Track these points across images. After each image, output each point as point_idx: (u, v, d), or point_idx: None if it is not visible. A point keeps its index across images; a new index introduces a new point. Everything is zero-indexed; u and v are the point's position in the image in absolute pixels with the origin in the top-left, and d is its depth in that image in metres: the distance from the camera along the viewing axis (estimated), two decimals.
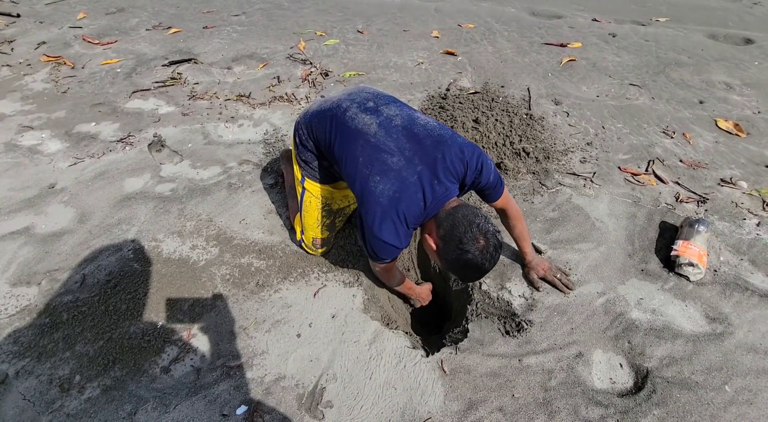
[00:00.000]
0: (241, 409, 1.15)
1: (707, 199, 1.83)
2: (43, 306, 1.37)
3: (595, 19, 3.79)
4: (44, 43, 3.11)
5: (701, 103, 2.55)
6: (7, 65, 2.82)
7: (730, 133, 2.29)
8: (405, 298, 1.65)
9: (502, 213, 1.39)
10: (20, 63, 2.85)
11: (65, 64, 2.84)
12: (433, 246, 1.11)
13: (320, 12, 3.80)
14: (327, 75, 2.77)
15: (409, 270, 1.87)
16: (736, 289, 1.47)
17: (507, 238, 1.65)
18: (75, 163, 1.98)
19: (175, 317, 1.36)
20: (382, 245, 1.15)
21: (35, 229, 1.64)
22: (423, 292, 1.60)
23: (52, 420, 1.11)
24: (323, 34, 3.35)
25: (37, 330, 1.30)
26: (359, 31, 3.41)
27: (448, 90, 2.56)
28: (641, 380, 1.23)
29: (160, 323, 1.34)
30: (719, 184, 1.93)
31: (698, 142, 2.21)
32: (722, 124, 2.35)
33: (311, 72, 2.79)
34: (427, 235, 1.15)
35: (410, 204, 1.12)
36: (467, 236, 1.03)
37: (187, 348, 1.28)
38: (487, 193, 1.28)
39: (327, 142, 1.30)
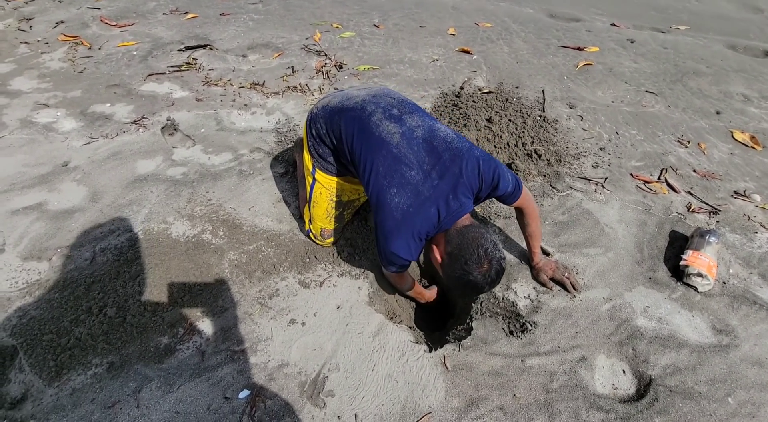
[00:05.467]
0: (244, 393, 1.16)
1: (719, 211, 1.81)
2: (52, 282, 1.39)
3: (613, 24, 3.74)
4: (62, 22, 3.12)
5: (718, 113, 2.52)
6: (25, 42, 2.84)
7: (746, 146, 2.26)
8: (412, 299, 1.66)
9: (519, 211, 1.39)
10: (38, 41, 2.87)
11: (82, 44, 2.85)
12: (438, 258, 1.16)
13: (337, 4, 3.78)
14: (341, 67, 2.76)
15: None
16: (744, 302, 1.45)
17: (518, 237, 1.65)
18: (89, 143, 2.00)
19: (182, 299, 1.37)
20: (393, 257, 1.19)
21: (48, 206, 1.66)
22: (431, 295, 1.62)
23: (57, 394, 1.13)
24: (339, 26, 3.33)
25: (45, 305, 1.32)
26: (375, 25, 3.40)
27: (462, 88, 2.54)
28: (644, 387, 1.23)
29: (167, 304, 1.35)
30: (732, 196, 1.91)
31: (713, 153, 2.18)
32: (738, 135, 2.32)
33: (326, 63, 2.78)
34: (434, 246, 1.18)
35: (424, 219, 1.14)
36: (473, 258, 1.06)
37: (192, 331, 1.30)
38: (504, 199, 1.29)
39: (349, 142, 1.30)
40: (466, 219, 1.17)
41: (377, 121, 1.26)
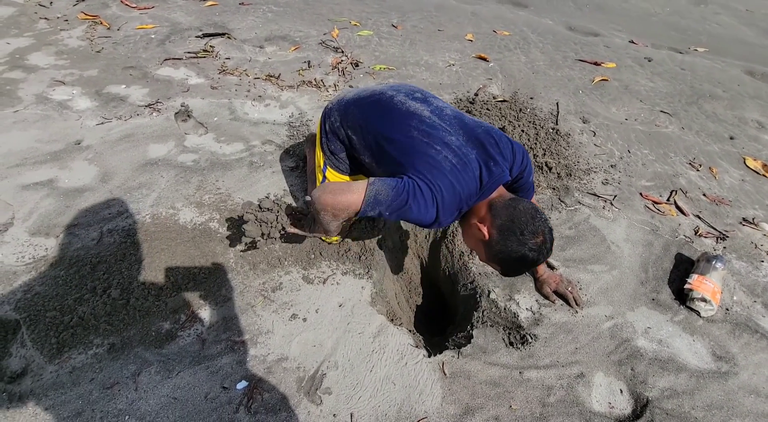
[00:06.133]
0: (242, 384, 1.16)
1: (727, 237, 1.81)
2: (58, 259, 1.39)
3: (632, 41, 3.73)
4: (83, 0, 3.13)
5: (732, 138, 2.51)
6: (45, 18, 2.85)
7: (758, 173, 2.26)
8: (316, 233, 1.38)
9: None
10: (58, 17, 2.88)
11: (102, 23, 2.86)
12: (485, 235, 1.07)
13: (357, 1, 3.78)
14: (357, 65, 2.76)
15: (411, 273, 1.87)
16: (746, 330, 1.45)
17: None
18: (102, 123, 2.00)
19: (186, 286, 1.37)
20: (418, 209, 1.03)
21: (58, 183, 1.67)
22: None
23: (57, 371, 1.14)
24: (358, 24, 3.33)
25: (50, 281, 1.33)
26: (393, 26, 3.40)
27: (476, 95, 2.54)
28: (640, 408, 1.23)
29: (171, 290, 1.36)
30: (741, 222, 1.90)
31: (724, 178, 2.18)
32: (751, 162, 2.31)
33: (342, 60, 2.78)
34: (478, 224, 1.09)
35: (470, 178, 1.08)
36: (529, 229, 1.01)
37: (194, 318, 1.30)
38: (519, 196, 1.27)
39: (368, 126, 1.24)
40: (506, 194, 1.13)
41: (402, 100, 1.23)
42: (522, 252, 1.02)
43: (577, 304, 1.45)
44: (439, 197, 1.05)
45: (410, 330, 1.44)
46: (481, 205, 1.12)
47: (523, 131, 2.14)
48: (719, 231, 1.83)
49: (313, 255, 1.55)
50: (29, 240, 1.44)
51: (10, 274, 1.33)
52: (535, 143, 2.10)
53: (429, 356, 1.30)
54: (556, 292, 1.48)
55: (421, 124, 1.15)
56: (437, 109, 1.22)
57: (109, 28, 2.82)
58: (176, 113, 2.13)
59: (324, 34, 3.09)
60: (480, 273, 1.57)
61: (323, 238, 1.57)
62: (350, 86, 2.54)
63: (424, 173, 1.05)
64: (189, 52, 2.65)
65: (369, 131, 1.25)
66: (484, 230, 1.08)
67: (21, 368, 1.14)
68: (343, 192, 1.06)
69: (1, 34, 2.60)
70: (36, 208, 1.55)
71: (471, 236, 1.15)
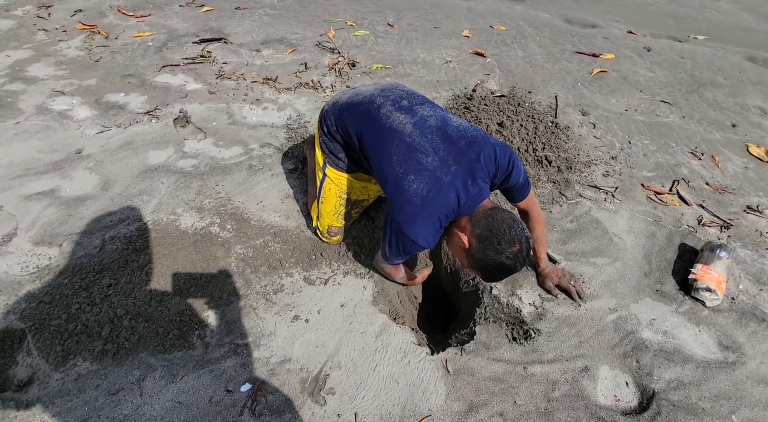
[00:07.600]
0: (246, 387, 1.17)
1: (731, 225, 1.79)
2: (62, 267, 1.41)
3: (630, 32, 3.70)
4: (80, 10, 3.15)
5: (734, 126, 2.48)
6: (44, 30, 2.88)
7: (761, 160, 2.23)
8: (401, 284, 1.61)
9: (524, 215, 1.39)
10: (56, 28, 2.90)
11: (99, 33, 2.88)
12: (465, 244, 1.11)
13: (352, 1, 3.78)
14: (354, 65, 2.76)
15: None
16: (752, 319, 1.44)
17: None
18: (102, 131, 2.02)
19: (188, 290, 1.38)
20: (410, 245, 1.16)
21: (60, 192, 1.68)
22: (422, 279, 1.59)
23: (63, 378, 1.15)
24: (353, 24, 3.33)
25: (55, 290, 1.34)
26: (389, 25, 3.39)
27: (474, 91, 2.53)
28: (646, 401, 1.22)
29: (173, 295, 1.36)
30: (745, 210, 1.88)
31: (727, 166, 2.15)
32: (754, 149, 2.29)
33: (339, 61, 2.78)
34: (459, 232, 1.14)
35: (443, 203, 1.12)
36: (505, 238, 1.05)
37: (197, 322, 1.31)
38: (513, 193, 1.28)
39: (358, 136, 1.30)
40: (488, 203, 1.15)
41: (387, 112, 1.25)
42: (500, 260, 1.06)
43: (580, 298, 1.44)
44: (418, 233, 1.15)
45: (413, 329, 1.44)
46: (462, 216, 1.17)
47: (521, 125, 2.13)
48: (723, 220, 1.81)
49: (314, 256, 1.55)
50: (33, 250, 1.46)
51: (14, 284, 1.35)
52: (535, 137, 2.09)
53: (432, 354, 1.30)
54: (558, 286, 1.47)
55: (401, 144, 1.18)
56: (421, 121, 1.22)
57: (106, 37, 2.84)
58: (175, 119, 2.14)
59: (320, 36, 3.09)
60: None
61: (324, 239, 1.58)
62: (347, 87, 2.54)
63: (400, 211, 1.16)
64: (186, 58, 2.66)
65: (359, 141, 1.30)
66: (464, 239, 1.12)
67: (27, 376, 1.15)
68: (378, 262, 1.42)
69: (0, 47, 2.63)
70: (39, 218, 1.57)
71: (453, 244, 1.19)
